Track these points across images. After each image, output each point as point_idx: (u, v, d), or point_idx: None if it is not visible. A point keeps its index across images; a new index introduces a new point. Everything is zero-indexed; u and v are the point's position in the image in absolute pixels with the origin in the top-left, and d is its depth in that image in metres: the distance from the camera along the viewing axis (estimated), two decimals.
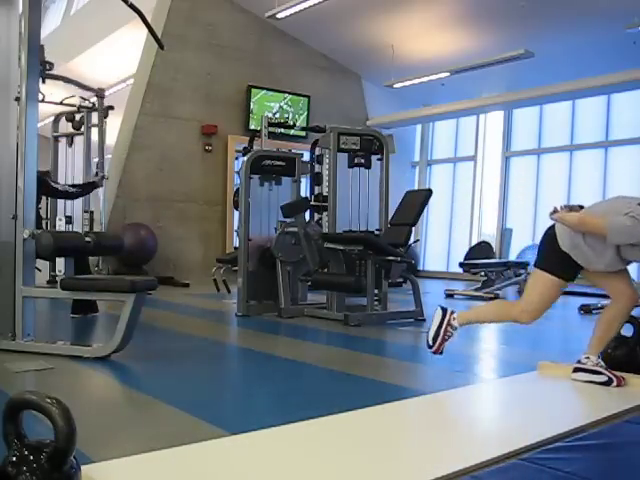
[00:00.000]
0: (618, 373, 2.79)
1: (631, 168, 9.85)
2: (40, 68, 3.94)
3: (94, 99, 7.53)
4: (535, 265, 2.80)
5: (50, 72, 5.85)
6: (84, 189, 5.93)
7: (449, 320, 2.85)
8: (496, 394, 2.99)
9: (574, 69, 8.87)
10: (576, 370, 2.86)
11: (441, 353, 2.82)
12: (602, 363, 2.85)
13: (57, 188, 5.24)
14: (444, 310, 2.92)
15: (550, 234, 2.79)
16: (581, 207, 2.85)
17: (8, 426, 1.35)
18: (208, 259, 8.92)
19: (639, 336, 2.94)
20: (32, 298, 3.63)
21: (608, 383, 2.75)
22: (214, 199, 9.57)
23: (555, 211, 2.78)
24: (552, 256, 2.73)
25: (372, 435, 2.11)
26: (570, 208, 2.80)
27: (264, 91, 10.06)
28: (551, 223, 2.85)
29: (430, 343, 2.92)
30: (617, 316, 2.83)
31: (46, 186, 4.89)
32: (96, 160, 7.46)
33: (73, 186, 5.80)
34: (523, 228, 10.87)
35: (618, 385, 2.73)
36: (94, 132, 7.61)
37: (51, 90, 6.81)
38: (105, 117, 7.49)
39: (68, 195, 5.65)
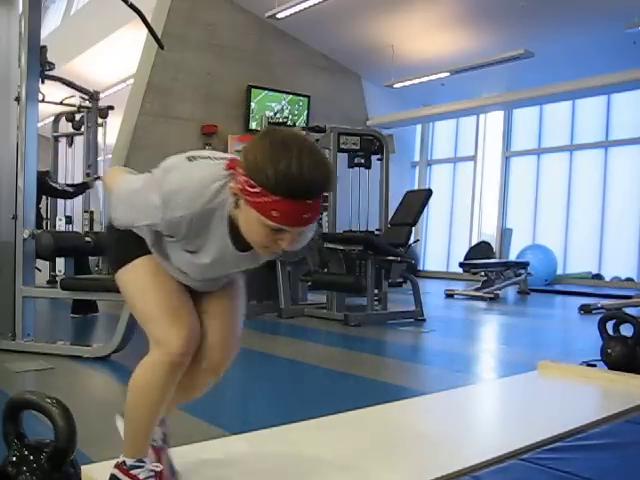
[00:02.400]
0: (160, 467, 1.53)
1: (631, 168, 9.85)
2: (40, 69, 3.94)
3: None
4: (112, 273, 1.51)
5: (48, 73, 5.84)
6: (79, 189, 5.96)
7: (120, 470, 1.45)
8: (496, 394, 2.99)
9: (574, 69, 8.87)
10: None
11: None
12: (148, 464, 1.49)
13: (56, 187, 5.27)
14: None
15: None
16: None
17: (8, 426, 1.35)
18: None
19: (639, 336, 2.94)
20: (32, 298, 3.64)
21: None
22: None
23: None
24: (116, 239, 1.50)
25: (372, 435, 2.11)
26: None
27: (265, 92, 10.05)
28: None
29: None
30: (184, 391, 1.58)
31: (45, 185, 4.91)
32: (98, 159, 7.45)
33: (71, 186, 5.82)
34: (523, 228, 10.87)
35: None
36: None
37: (51, 90, 6.80)
38: (105, 117, 7.48)
39: (66, 194, 5.67)
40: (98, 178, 7.11)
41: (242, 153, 1.23)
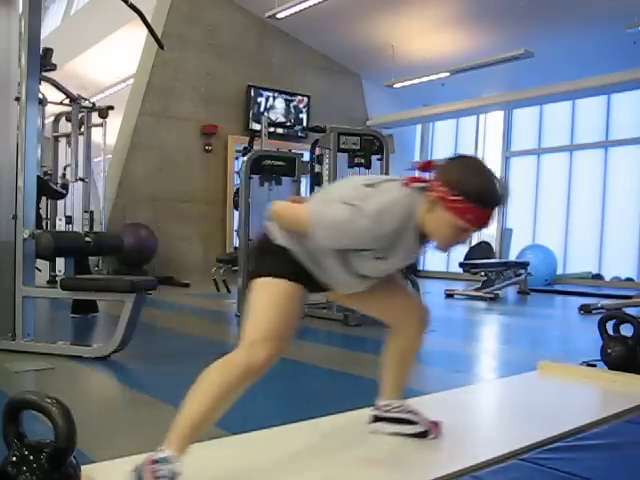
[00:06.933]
0: (434, 419, 2.04)
1: (631, 168, 9.85)
2: (40, 69, 3.94)
3: (94, 98, 7.52)
4: (251, 277, 1.73)
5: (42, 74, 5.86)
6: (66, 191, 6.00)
7: (151, 462, 1.53)
8: (496, 394, 2.99)
9: (574, 69, 8.88)
10: (376, 419, 2.08)
11: None
12: (410, 407, 2.05)
13: (56, 189, 5.29)
14: (135, 468, 1.56)
15: (262, 234, 1.79)
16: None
17: (8, 426, 1.35)
18: (208, 259, 8.92)
19: (639, 336, 2.94)
20: (32, 298, 3.63)
21: (424, 434, 2.00)
22: (214, 199, 9.57)
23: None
24: (269, 256, 1.73)
25: (372, 435, 2.11)
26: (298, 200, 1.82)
27: (264, 92, 10.05)
28: None
29: None
30: (409, 348, 2.04)
31: (45, 186, 4.92)
32: (98, 159, 7.45)
33: (63, 187, 5.87)
34: (523, 228, 10.87)
35: (436, 436, 2.00)
36: (94, 132, 7.61)
37: (51, 90, 6.81)
38: (105, 117, 7.48)
39: (60, 196, 5.66)
40: (83, 180, 7.15)
41: (441, 171, 1.60)
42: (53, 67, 5.78)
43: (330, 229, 1.61)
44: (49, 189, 5.08)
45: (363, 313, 2.04)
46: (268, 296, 1.66)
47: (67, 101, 7.42)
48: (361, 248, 1.65)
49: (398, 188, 1.65)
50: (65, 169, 7.29)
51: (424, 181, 1.64)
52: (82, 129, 7.63)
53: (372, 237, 1.59)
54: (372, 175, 1.73)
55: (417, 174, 1.66)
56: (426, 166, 1.65)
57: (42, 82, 6.49)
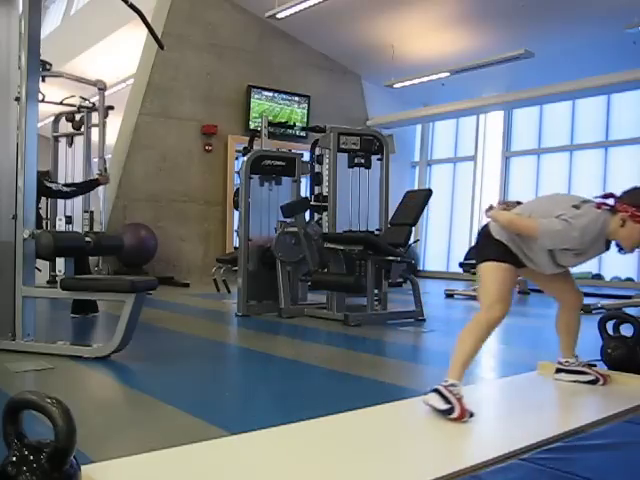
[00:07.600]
0: (602, 371, 2.87)
1: (631, 168, 9.85)
2: (40, 68, 3.93)
3: (94, 99, 7.51)
4: (477, 262, 2.56)
5: (51, 71, 5.84)
6: (80, 188, 5.84)
7: (445, 387, 2.33)
8: (496, 394, 2.99)
9: (574, 69, 8.88)
10: (558, 371, 2.91)
11: (471, 415, 2.26)
12: (583, 362, 2.89)
13: (51, 187, 5.21)
14: (435, 389, 2.35)
15: (485, 230, 2.59)
16: (519, 203, 2.67)
17: (8, 426, 1.35)
18: (208, 259, 8.93)
19: (639, 336, 2.94)
20: (32, 298, 3.63)
21: (595, 382, 2.81)
22: (214, 199, 9.57)
23: (491, 208, 2.59)
24: (491, 247, 2.52)
25: (372, 435, 2.11)
26: (507, 205, 2.62)
27: (264, 92, 10.05)
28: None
29: (447, 409, 2.27)
30: (572, 319, 2.93)
31: (40, 185, 4.88)
32: (97, 159, 7.43)
33: (68, 185, 5.75)
34: None
35: (604, 383, 2.81)
36: (94, 132, 7.60)
37: (51, 90, 6.79)
38: (105, 117, 7.47)
39: (62, 195, 5.59)
40: (102, 174, 7.06)
41: (628, 198, 2.42)
42: (48, 65, 5.73)
43: (551, 237, 2.38)
44: (42, 187, 5.03)
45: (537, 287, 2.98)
46: (494, 274, 2.48)
47: (69, 101, 7.42)
48: (567, 248, 2.40)
49: (594, 210, 2.39)
50: (105, 162, 7.25)
51: (608, 205, 2.40)
52: (82, 129, 7.63)
53: (577, 243, 2.35)
54: (573, 196, 2.61)
55: (602, 200, 2.41)
56: (607, 196, 2.43)
57: (57, 77, 6.49)
